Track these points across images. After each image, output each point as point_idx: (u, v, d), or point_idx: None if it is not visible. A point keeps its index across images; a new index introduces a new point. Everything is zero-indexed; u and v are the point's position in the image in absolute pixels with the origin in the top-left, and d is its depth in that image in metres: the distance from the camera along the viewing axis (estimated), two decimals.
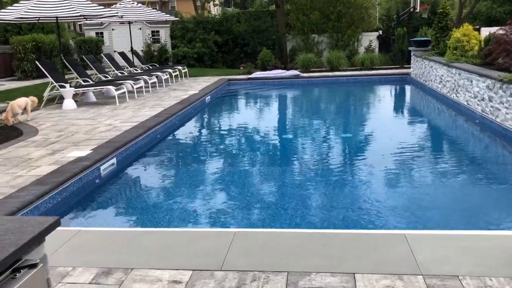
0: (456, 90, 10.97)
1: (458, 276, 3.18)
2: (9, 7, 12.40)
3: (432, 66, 13.19)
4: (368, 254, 3.56)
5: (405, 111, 12.15)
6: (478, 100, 9.51)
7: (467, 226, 4.63)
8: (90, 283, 3.30)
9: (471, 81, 9.88)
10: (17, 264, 1.73)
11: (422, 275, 3.22)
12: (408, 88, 15.49)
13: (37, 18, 12.30)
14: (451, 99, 11.35)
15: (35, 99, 10.06)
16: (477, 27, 18.74)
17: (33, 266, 1.76)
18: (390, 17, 23.24)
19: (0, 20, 12.20)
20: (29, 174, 5.72)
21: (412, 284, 3.11)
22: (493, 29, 12.88)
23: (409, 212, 5.01)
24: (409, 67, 16.51)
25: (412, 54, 15.72)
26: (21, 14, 11.25)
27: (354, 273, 3.28)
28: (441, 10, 14.30)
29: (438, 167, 6.75)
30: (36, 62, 12.47)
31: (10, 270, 1.69)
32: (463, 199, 5.47)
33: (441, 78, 12.24)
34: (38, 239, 1.83)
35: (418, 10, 19.73)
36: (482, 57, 10.59)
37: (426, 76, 13.88)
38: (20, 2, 12.13)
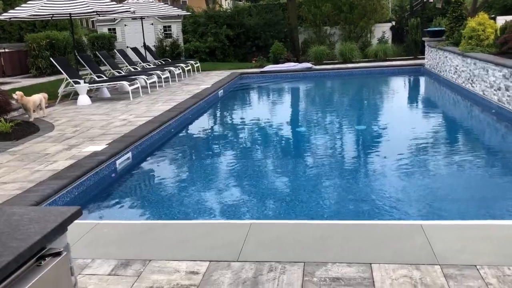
0: (472, 80, 10.83)
1: (476, 265, 3.17)
2: (23, 5, 12.54)
3: (446, 56, 13.03)
4: (384, 244, 3.55)
5: (420, 103, 12.04)
6: (494, 90, 9.38)
7: (484, 216, 4.59)
8: (109, 275, 3.35)
9: (487, 71, 9.74)
10: (42, 252, 1.77)
11: (439, 264, 3.21)
12: (422, 79, 15.33)
13: (51, 15, 12.43)
14: (466, 89, 11.21)
15: (46, 95, 10.17)
16: (493, 16, 18.45)
17: (57, 254, 1.80)
18: (403, 8, 22.97)
19: (14, 18, 12.35)
20: (46, 169, 5.81)
21: (430, 273, 3.11)
22: (509, 18, 12.69)
23: (426, 203, 4.98)
24: (423, 58, 16.33)
25: (426, 44, 15.53)
26: (35, 11, 11.39)
27: (370, 263, 3.28)
28: None
29: (455, 157, 6.69)
30: (51, 59, 12.60)
31: (35, 258, 1.73)
32: (480, 189, 5.42)
33: (456, 68, 12.09)
34: (61, 228, 1.87)
35: (431, 0, 19.48)
36: (498, 46, 10.43)
37: (441, 67, 13.72)
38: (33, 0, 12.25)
